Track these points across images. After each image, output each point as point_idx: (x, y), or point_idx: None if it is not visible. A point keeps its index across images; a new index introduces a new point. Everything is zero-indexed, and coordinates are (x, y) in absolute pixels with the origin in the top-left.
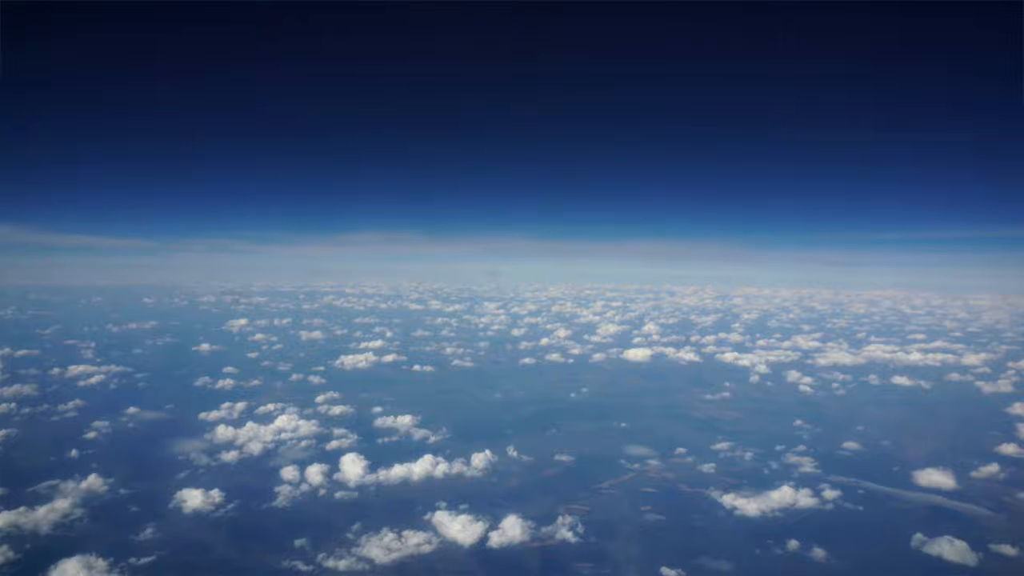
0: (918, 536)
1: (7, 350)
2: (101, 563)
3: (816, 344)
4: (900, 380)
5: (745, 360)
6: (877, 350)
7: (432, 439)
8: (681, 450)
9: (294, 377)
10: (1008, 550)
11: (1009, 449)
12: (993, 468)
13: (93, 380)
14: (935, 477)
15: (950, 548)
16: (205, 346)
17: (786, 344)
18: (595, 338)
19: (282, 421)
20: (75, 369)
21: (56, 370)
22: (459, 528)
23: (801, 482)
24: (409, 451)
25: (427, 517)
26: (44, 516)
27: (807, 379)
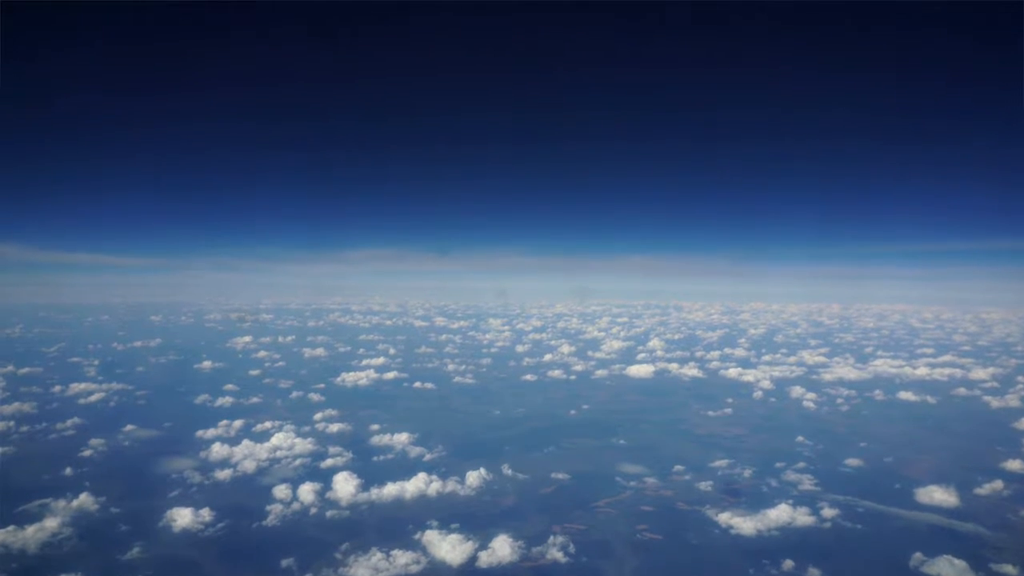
0: (917, 555)
1: (10, 368)
2: None
3: (822, 359)
4: (906, 395)
5: (749, 376)
6: (884, 365)
7: (428, 457)
8: (680, 467)
9: (294, 395)
10: (1010, 570)
11: (1015, 465)
12: (997, 485)
13: (93, 398)
14: (937, 494)
15: (950, 568)
16: (207, 363)
17: (792, 359)
18: (599, 354)
19: (278, 439)
20: (76, 387)
21: (57, 388)
22: (448, 548)
23: (800, 500)
24: (404, 469)
25: (417, 536)
26: (33, 535)
27: (811, 395)
